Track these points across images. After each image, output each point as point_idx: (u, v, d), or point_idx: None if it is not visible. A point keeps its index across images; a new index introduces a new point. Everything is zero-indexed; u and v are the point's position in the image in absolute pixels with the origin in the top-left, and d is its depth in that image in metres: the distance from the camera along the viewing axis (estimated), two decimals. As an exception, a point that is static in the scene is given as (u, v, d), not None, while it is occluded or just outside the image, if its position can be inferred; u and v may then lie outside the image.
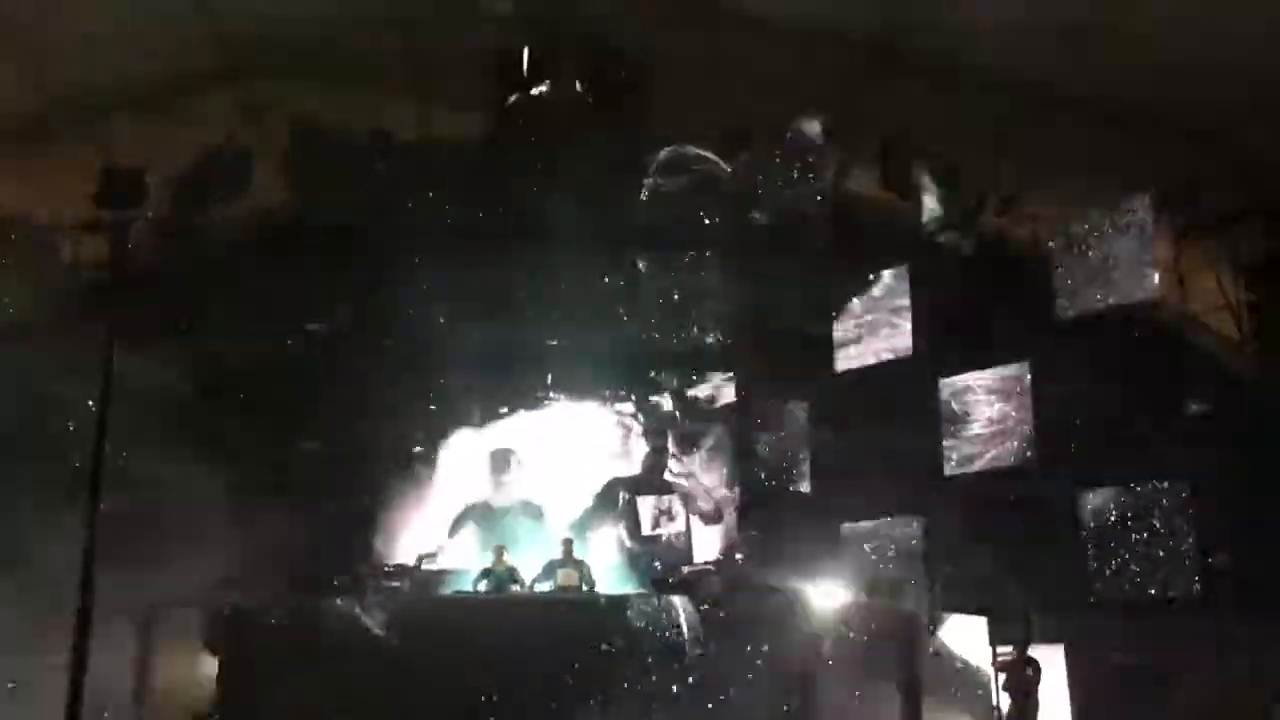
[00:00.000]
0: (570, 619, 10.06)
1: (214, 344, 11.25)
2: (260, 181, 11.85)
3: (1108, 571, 10.42)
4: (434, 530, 12.57)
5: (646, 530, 12.50)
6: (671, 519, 12.52)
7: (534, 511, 12.58)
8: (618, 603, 10.52)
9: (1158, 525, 10.22)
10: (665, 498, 12.57)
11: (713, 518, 12.66)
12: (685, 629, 10.35)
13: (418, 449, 12.82)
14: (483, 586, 11.05)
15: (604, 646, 9.68)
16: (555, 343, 12.77)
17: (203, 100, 11.69)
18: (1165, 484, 10.34)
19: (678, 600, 10.18)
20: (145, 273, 9.66)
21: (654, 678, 9.60)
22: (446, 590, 11.31)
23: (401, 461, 12.55)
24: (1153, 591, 10.14)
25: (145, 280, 9.73)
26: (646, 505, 12.59)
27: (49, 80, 10.41)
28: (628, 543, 12.43)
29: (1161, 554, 10.16)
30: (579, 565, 11.44)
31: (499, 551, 11.30)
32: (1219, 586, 9.90)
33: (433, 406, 12.87)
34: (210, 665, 9.69)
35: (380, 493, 12.27)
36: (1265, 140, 9.98)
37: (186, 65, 11.28)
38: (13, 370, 9.63)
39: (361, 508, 12.01)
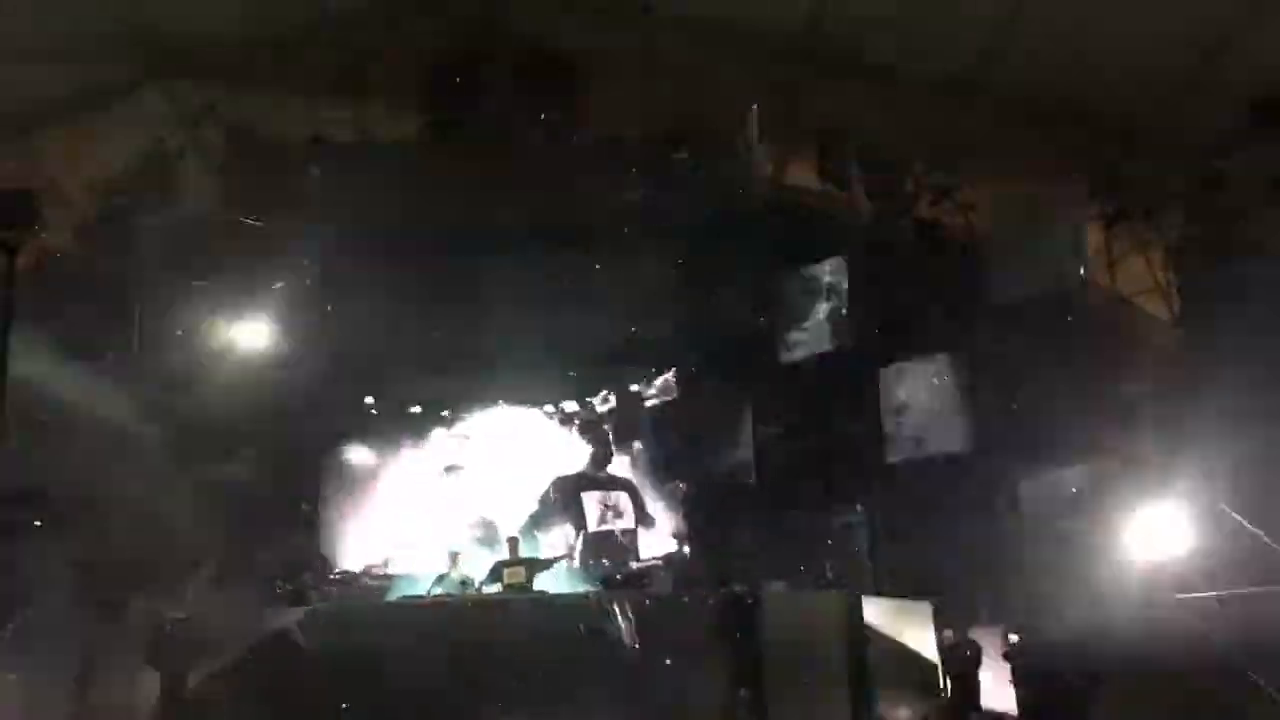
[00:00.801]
0: (517, 619, 10.07)
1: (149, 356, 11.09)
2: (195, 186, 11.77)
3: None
4: (383, 537, 12.56)
5: (593, 527, 12.55)
6: (618, 515, 12.58)
7: (485, 522, 12.58)
8: (565, 601, 10.56)
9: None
10: (610, 494, 12.63)
11: (659, 512, 12.73)
12: (633, 625, 10.42)
13: (361, 454, 12.78)
14: (436, 591, 11.03)
15: (553, 645, 9.72)
16: (498, 342, 12.72)
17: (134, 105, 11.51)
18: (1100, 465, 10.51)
19: (625, 596, 10.24)
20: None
21: (603, 674, 9.63)
22: (396, 595, 11.30)
23: (344, 468, 12.49)
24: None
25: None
26: (592, 502, 12.63)
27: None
28: (574, 540, 12.46)
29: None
30: (527, 564, 11.45)
31: (454, 557, 11.30)
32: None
33: (375, 411, 12.82)
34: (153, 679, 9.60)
35: (323, 500, 12.19)
36: (1183, 129, 10.19)
37: (115, 71, 11.12)
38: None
39: (305, 516, 11.94)
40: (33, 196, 5.06)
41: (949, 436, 11.21)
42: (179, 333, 11.27)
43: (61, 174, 9.20)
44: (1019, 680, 9.61)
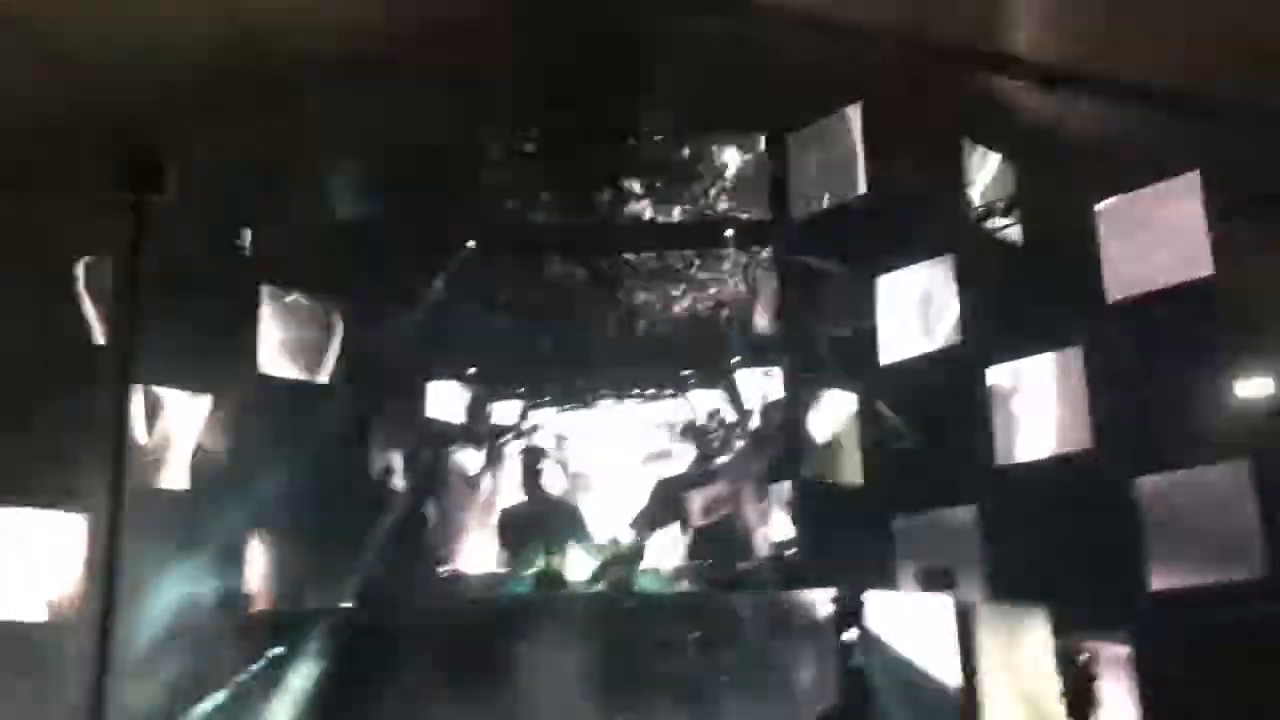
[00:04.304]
0: (628, 619, 10.12)
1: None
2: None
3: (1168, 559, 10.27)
4: (481, 537, 12.70)
5: (697, 527, 12.51)
6: (722, 516, 12.52)
7: (572, 514, 12.64)
8: (673, 601, 10.57)
9: (1218, 509, 10.06)
10: (715, 494, 12.58)
11: (764, 513, 12.64)
12: (743, 625, 10.39)
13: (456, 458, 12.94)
14: (535, 589, 11.13)
15: (661, 644, 9.75)
16: (592, 342, 12.82)
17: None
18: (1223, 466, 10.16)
19: (734, 597, 10.21)
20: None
21: (713, 675, 9.62)
22: (502, 593, 11.43)
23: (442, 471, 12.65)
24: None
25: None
26: (696, 502, 12.60)
27: None
28: (679, 540, 12.44)
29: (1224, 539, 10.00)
30: (630, 564, 11.50)
31: (548, 554, 11.39)
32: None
33: (467, 414, 12.95)
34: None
35: (423, 503, 12.37)
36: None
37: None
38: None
39: (409, 518, 12.12)
40: (159, 163, 4.97)
41: (1064, 436, 10.92)
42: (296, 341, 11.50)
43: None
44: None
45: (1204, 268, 10.02)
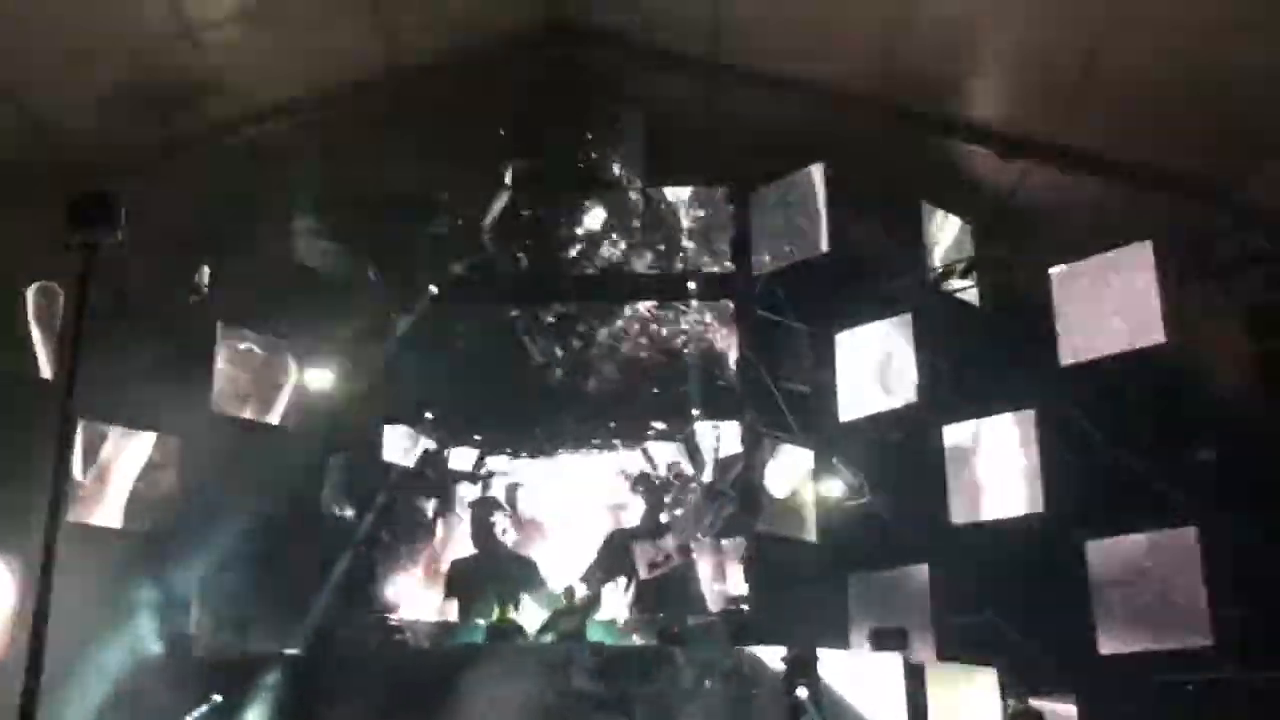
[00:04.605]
0: (576, 669, 10.00)
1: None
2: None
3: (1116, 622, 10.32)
4: (432, 584, 12.57)
5: (649, 580, 12.43)
6: (675, 569, 12.45)
7: (527, 565, 12.54)
8: (624, 654, 10.46)
9: (1166, 574, 10.15)
10: (668, 547, 12.51)
11: (718, 567, 12.59)
12: (694, 679, 10.30)
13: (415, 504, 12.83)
14: (488, 639, 11.01)
15: (611, 698, 9.63)
16: (551, 391, 12.80)
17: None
18: (1172, 532, 10.27)
19: (682, 651, 10.13)
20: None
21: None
22: (451, 642, 11.28)
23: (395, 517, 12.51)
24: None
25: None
26: (649, 555, 12.52)
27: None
28: (630, 594, 12.35)
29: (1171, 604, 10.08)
30: (583, 615, 11.40)
31: (502, 605, 11.29)
32: (1229, 638, 9.78)
33: (418, 457, 12.84)
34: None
35: (374, 548, 12.21)
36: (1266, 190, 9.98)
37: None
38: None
39: (358, 563, 11.96)
40: (113, 198, 4.95)
41: (1016, 498, 10.99)
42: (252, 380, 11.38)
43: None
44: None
45: (1156, 334, 10.18)
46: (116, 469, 10.63)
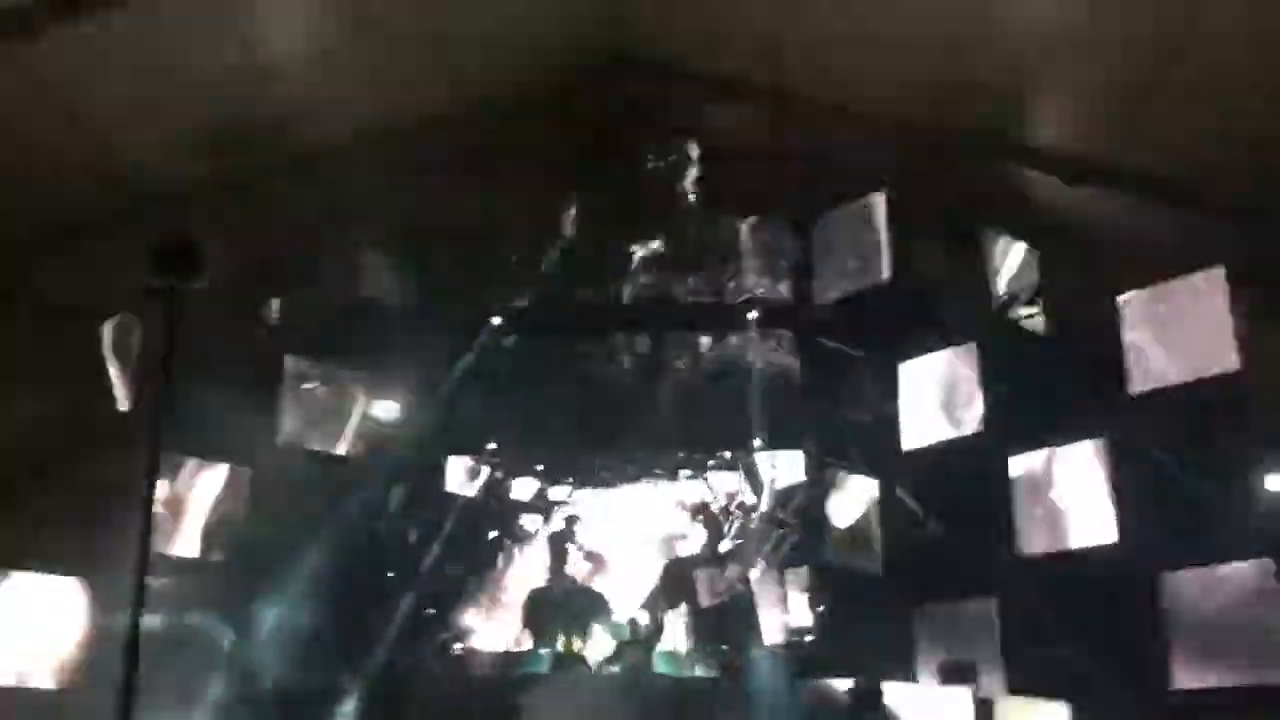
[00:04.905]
0: (642, 700, 10.01)
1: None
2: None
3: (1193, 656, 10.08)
4: (493, 616, 12.61)
5: (712, 610, 12.37)
6: (736, 599, 12.38)
7: (594, 596, 12.55)
8: (689, 685, 10.44)
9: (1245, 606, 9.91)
10: (730, 577, 12.45)
11: (781, 598, 12.50)
12: (758, 711, 10.25)
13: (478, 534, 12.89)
14: (553, 668, 11.04)
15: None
16: (612, 421, 12.84)
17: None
18: (1249, 563, 10.03)
19: (749, 683, 10.09)
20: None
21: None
22: (518, 672, 11.31)
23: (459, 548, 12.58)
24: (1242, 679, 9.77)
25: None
26: (708, 585, 12.47)
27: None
28: (693, 626, 12.29)
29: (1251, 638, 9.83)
30: (647, 646, 11.39)
31: (568, 635, 11.32)
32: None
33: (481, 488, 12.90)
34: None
35: (438, 579, 12.29)
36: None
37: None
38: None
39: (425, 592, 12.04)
40: (195, 245, 5.05)
41: (1087, 528, 10.80)
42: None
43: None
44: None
45: (1229, 362, 9.98)
46: (192, 500, 10.83)
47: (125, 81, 9.34)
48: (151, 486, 4.51)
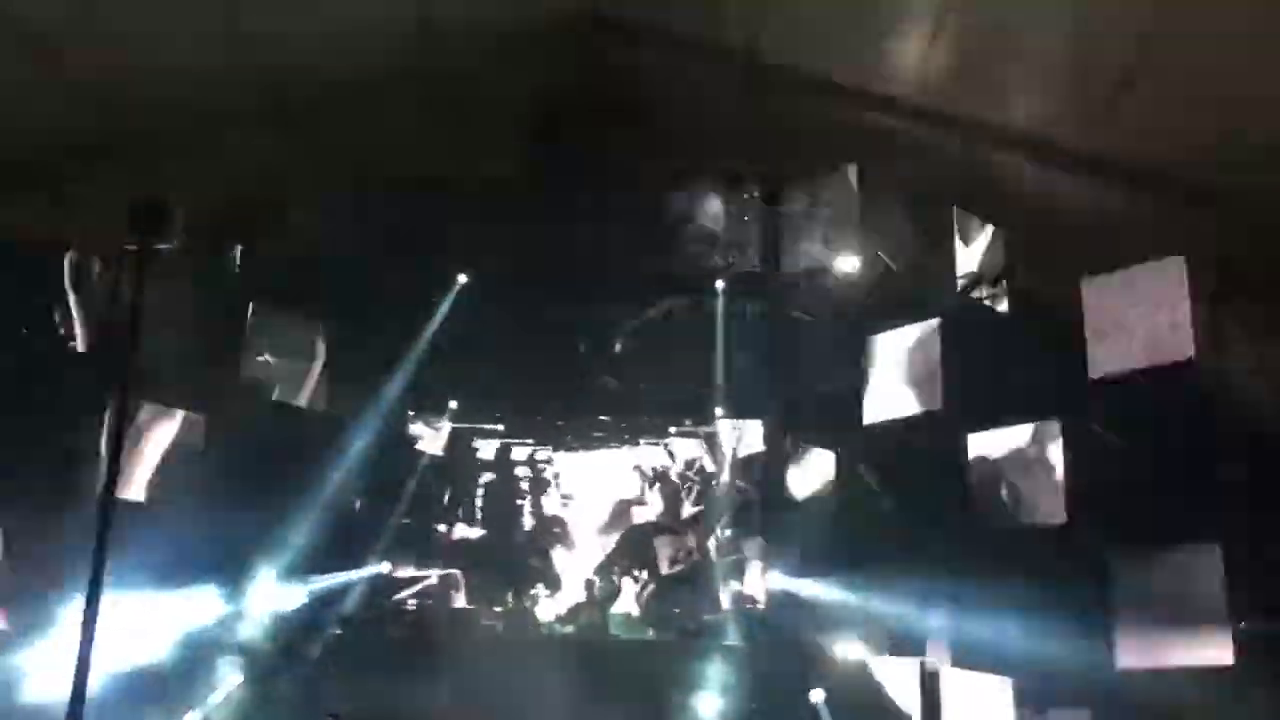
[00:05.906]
0: (594, 663, 10.11)
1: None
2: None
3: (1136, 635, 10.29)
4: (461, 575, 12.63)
5: (668, 575, 12.47)
6: (693, 564, 12.48)
7: (542, 557, 12.57)
8: (643, 647, 10.54)
9: (1190, 591, 10.11)
10: (688, 544, 12.54)
11: (733, 566, 12.61)
12: (710, 675, 10.38)
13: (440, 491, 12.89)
14: (505, 629, 11.10)
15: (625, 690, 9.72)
16: (576, 385, 12.83)
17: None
18: (1197, 547, 10.22)
19: (701, 646, 10.20)
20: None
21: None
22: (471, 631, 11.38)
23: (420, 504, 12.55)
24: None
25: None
26: (668, 550, 12.56)
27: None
28: (650, 589, 12.39)
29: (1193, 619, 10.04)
30: (601, 609, 11.47)
31: (522, 595, 11.37)
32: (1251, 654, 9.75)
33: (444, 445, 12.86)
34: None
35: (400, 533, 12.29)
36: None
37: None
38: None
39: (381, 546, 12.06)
40: (165, 207, 5.05)
41: (1037, 506, 10.97)
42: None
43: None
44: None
45: (1185, 350, 10.12)
46: (144, 446, 10.69)
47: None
48: (120, 430, 4.48)
